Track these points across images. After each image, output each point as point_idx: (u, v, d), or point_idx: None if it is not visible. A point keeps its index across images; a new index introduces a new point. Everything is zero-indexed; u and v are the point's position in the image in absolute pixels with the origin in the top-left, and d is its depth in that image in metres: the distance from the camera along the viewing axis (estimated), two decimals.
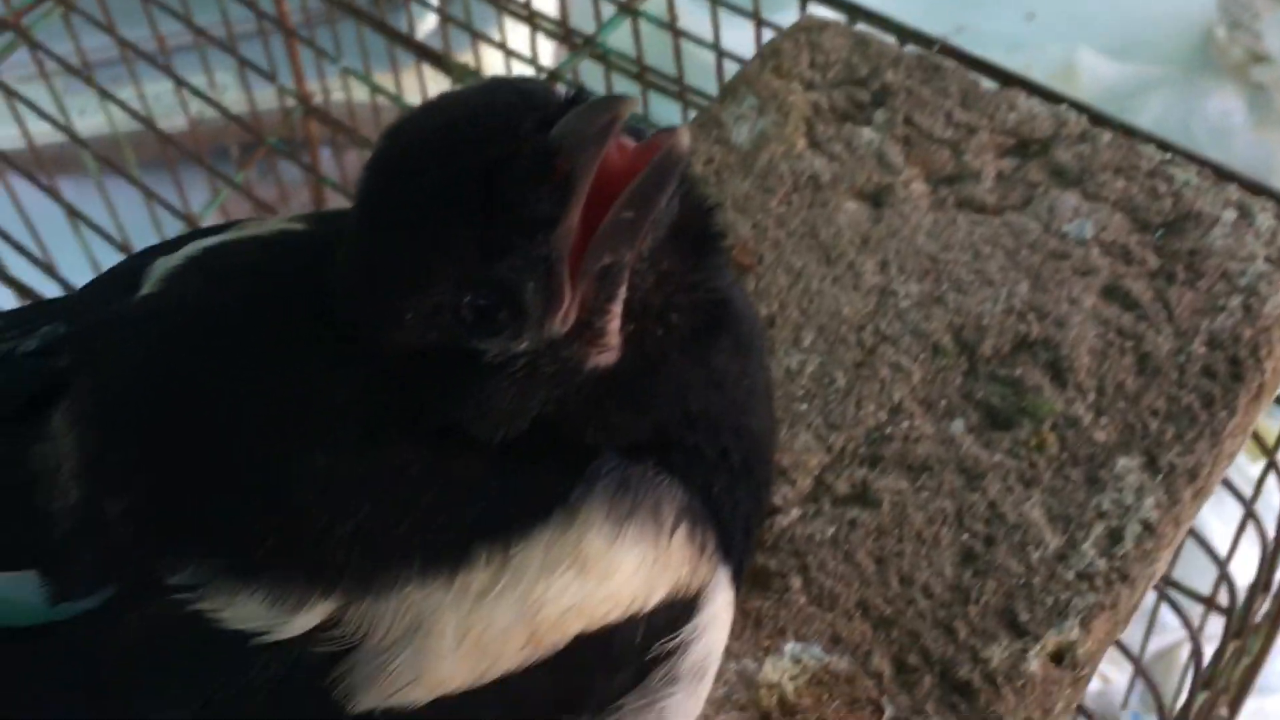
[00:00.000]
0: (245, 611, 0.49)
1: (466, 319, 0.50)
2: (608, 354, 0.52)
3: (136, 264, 0.59)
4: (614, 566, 0.51)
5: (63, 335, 0.57)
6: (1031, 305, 0.70)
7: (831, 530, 0.64)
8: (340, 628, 0.49)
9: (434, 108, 0.51)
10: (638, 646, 0.53)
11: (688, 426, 0.54)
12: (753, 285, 0.72)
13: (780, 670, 0.60)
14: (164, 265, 0.58)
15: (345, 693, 0.50)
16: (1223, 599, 0.98)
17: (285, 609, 0.49)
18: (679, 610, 0.54)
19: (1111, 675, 1.57)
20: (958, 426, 0.67)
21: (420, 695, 0.50)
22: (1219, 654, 0.83)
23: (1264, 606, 0.93)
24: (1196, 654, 0.77)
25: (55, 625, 0.50)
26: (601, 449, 0.53)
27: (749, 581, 0.63)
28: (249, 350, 0.54)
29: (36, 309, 0.62)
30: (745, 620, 0.62)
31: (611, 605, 0.52)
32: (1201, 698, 0.80)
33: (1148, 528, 0.63)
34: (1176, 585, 1.05)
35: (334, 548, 0.50)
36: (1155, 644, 1.36)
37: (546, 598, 0.51)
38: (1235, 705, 1.16)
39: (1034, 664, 0.60)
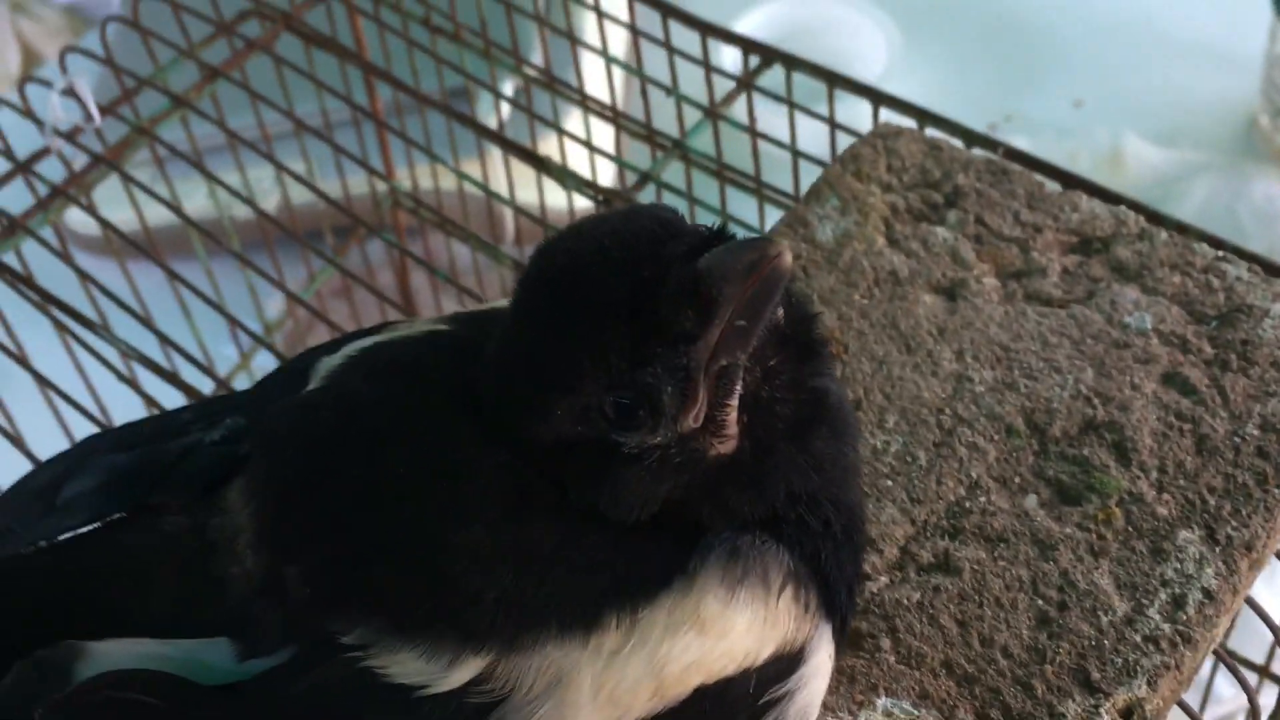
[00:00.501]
0: (408, 668, 0.57)
1: (610, 415, 0.58)
2: (727, 444, 0.59)
3: (302, 364, 0.67)
4: (729, 626, 0.58)
5: (243, 426, 0.65)
6: (1097, 391, 0.76)
7: (917, 596, 0.70)
8: (491, 682, 0.57)
9: (581, 230, 0.59)
10: (750, 697, 0.60)
11: (794, 502, 0.61)
12: (840, 372, 0.79)
13: None
14: (326, 364, 0.65)
15: None
16: (1277, 668, 1.03)
17: (442, 665, 0.56)
18: (786, 663, 0.60)
19: None
20: (1031, 502, 0.73)
21: None
22: None
23: None
24: (1255, 715, 0.83)
25: (246, 683, 0.57)
26: (716, 525, 0.60)
27: (843, 642, 0.69)
28: (404, 435, 0.61)
29: (221, 401, 0.70)
30: (840, 677, 0.68)
31: (727, 660, 0.59)
32: None
33: (1208, 594, 0.69)
34: (1233, 655, 1.10)
35: (483, 611, 0.57)
36: (1211, 715, 1.41)
37: (671, 655, 0.58)
38: None
39: (1105, 719, 0.66)
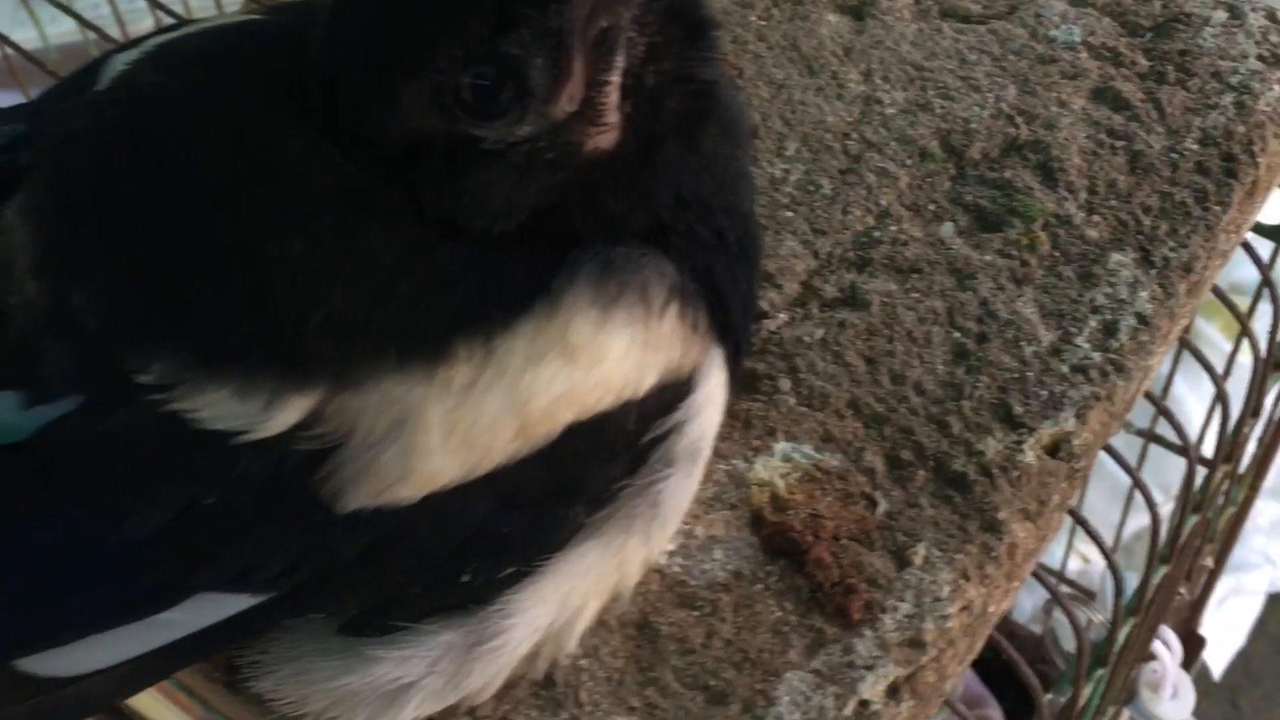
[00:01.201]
0: (220, 410, 0.48)
1: (468, 100, 0.48)
2: (607, 136, 0.50)
3: (93, 65, 0.57)
4: (603, 352, 0.50)
5: (22, 134, 0.55)
6: (1020, 109, 0.68)
7: (821, 333, 0.63)
8: (321, 425, 0.48)
9: None
10: (632, 432, 0.52)
11: (683, 209, 0.52)
12: None
13: (771, 469, 0.59)
14: (120, 61, 0.55)
15: (332, 492, 0.48)
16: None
17: (259, 406, 0.48)
18: (672, 392, 0.52)
19: (1092, 555, 1.58)
20: (947, 229, 0.65)
21: (410, 492, 0.48)
22: (1206, 484, 0.82)
23: (1255, 436, 0.93)
24: (1189, 480, 0.77)
25: (29, 438, 0.48)
26: (592, 236, 0.51)
27: (738, 384, 0.62)
28: (212, 135, 0.51)
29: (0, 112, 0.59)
30: (734, 422, 0.61)
31: (603, 392, 0.50)
32: (1192, 521, 0.79)
33: (1143, 320, 0.62)
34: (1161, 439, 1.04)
35: (306, 339, 0.48)
36: (1134, 525, 1.36)
37: (534, 389, 0.49)
38: (1221, 557, 1.16)
39: (1029, 456, 0.59)
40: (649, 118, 0.51)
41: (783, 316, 0.63)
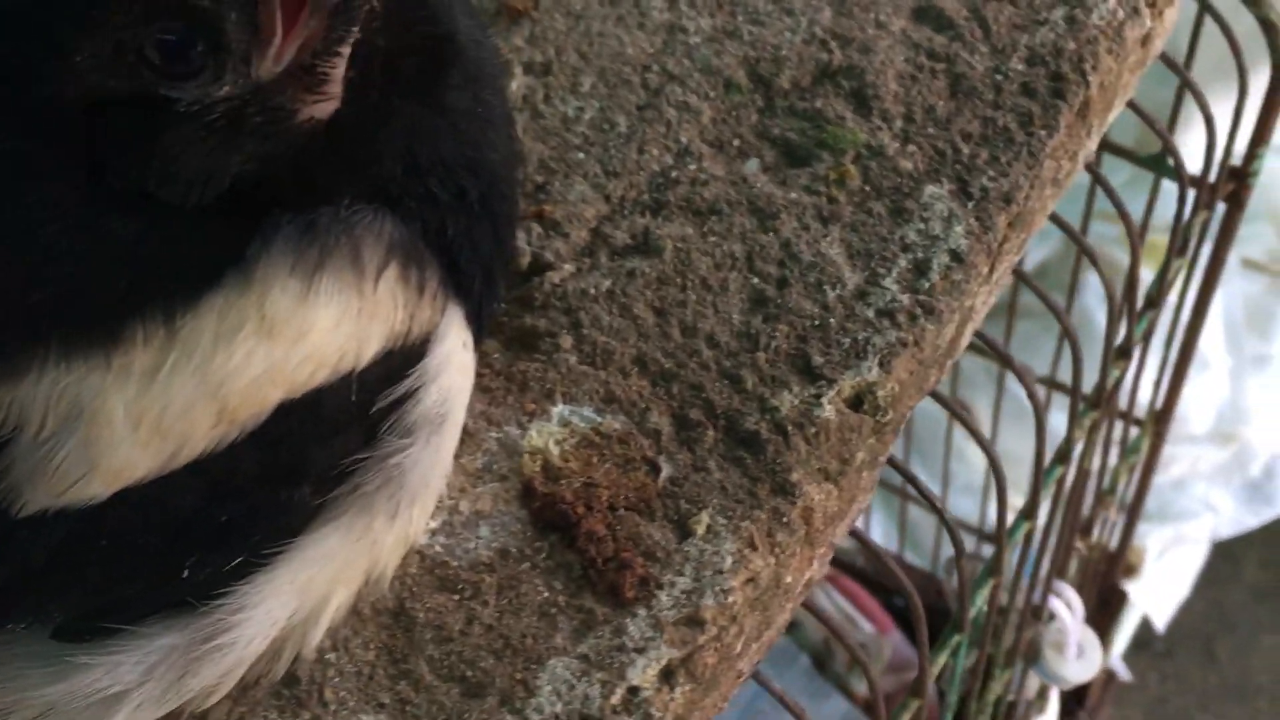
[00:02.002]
0: None
1: (154, 60, 0.43)
2: (326, 104, 0.45)
3: None
4: (308, 324, 0.45)
5: None
6: (834, 32, 0.63)
7: (608, 283, 0.57)
8: None
9: None
10: (356, 404, 0.46)
11: (415, 176, 0.48)
12: (528, 31, 0.64)
13: (546, 435, 0.54)
14: None
15: (8, 494, 0.43)
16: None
17: None
18: (401, 359, 0.47)
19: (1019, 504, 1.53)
20: (752, 166, 0.60)
21: (98, 489, 0.44)
22: (1069, 431, 0.77)
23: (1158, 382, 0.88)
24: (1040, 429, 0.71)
25: None
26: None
27: (516, 344, 0.56)
28: None
29: None
30: (509, 385, 0.55)
31: (314, 366, 0.45)
32: (1057, 471, 0.74)
33: (956, 257, 0.56)
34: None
35: None
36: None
37: (230, 369, 0.44)
38: (1135, 507, 1.11)
39: (828, 410, 0.54)
40: (380, 85, 0.46)
41: (569, 267, 0.58)
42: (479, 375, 0.56)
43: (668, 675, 0.49)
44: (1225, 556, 1.79)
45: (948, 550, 1.33)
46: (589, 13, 0.64)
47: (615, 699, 0.49)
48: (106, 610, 0.47)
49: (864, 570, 1.35)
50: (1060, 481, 0.75)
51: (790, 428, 0.53)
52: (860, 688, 1.27)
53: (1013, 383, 1.03)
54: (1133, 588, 1.56)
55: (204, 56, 0.44)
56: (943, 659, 0.68)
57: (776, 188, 0.59)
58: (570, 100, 0.62)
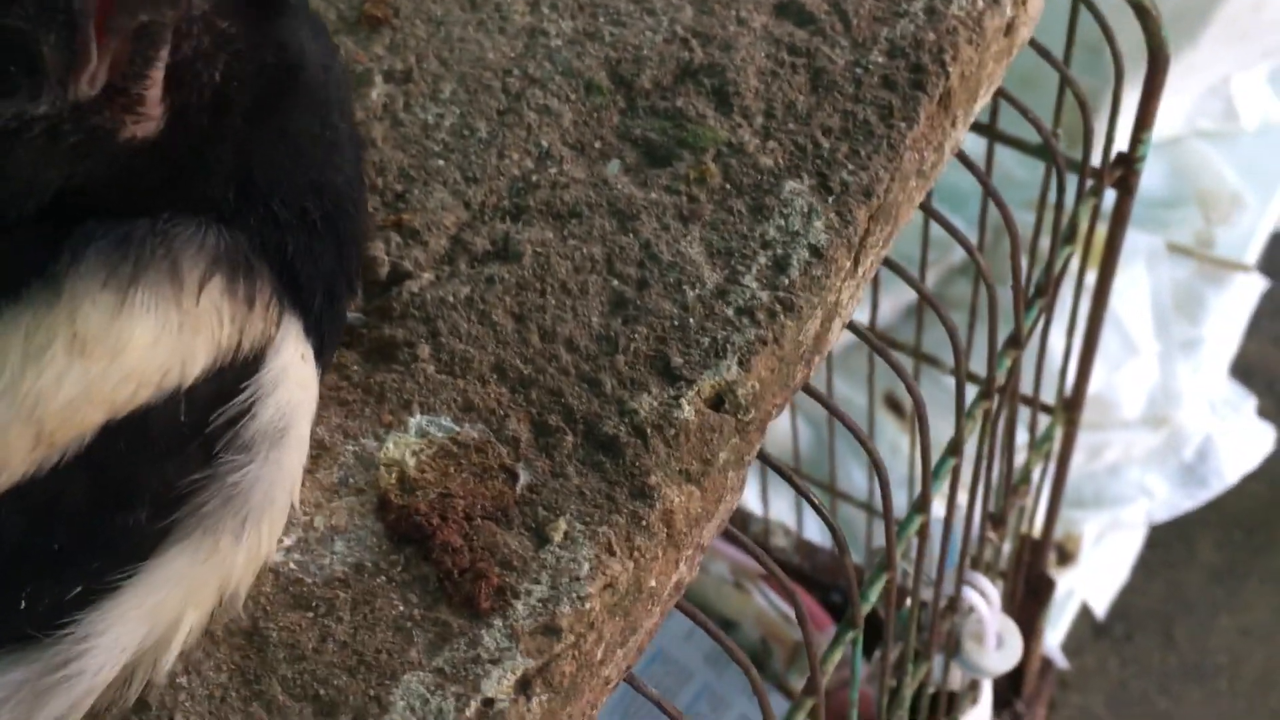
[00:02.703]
0: None
1: None
2: (145, 124, 0.45)
3: None
4: (124, 341, 0.44)
5: None
6: (696, 31, 0.62)
7: (467, 290, 0.57)
8: None
9: None
10: (186, 423, 0.46)
11: (255, 196, 0.48)
12: (388, 39, 0.63)
13: (403, 446, 0.53)
14: None
15: None
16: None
17: None
18: (232, 374, 0.46)
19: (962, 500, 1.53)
20: (613, 168, 0.59)
21: None
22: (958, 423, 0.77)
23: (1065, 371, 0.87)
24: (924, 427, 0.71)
25: None
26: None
27: (374, 355, 0.56)
28: None
29: None
30: (366, 397, 0.54)
31: (135, 385, 0.44)
32: (949, 463, 0.74)
33: (816, 252, 0.56)
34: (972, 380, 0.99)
35: None
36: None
37: (41, 389, 0.43)
38: (1055, 495, 1.11)
39: (688, 411, 0.53)
40: (212, 109, 0.46)
41: (428, 276, 0.57)
42: (337, 388, 0.55)
43: (524, 686, 0.49)
44: (1180, 539, 1.79)
45: (879, 541, 1.33)
46: (449, 18, 0.64)
47: (470, 712, 0.48)
48: None
49: (800, 568, 1.35)
50: (955, 473, 0.75)
51: (649, 430, 0.53)
52: (799, 686, 1.26)
53: (941, 375, 1.03)
54: (1071, 575, 1.57)
55: (19, 76, 0.43)
56: (837, 655, 0.68)
57: (637, 188, 0.58)
58: (431, 107, 0.61)
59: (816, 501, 0.60)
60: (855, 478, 1.41)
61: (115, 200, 0.46)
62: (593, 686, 0.51)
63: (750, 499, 1.35)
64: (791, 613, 1.30)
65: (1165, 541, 1.75)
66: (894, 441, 1.53)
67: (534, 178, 0.59)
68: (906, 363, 1.29)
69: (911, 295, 1.43)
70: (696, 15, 0.62)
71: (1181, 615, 1.77)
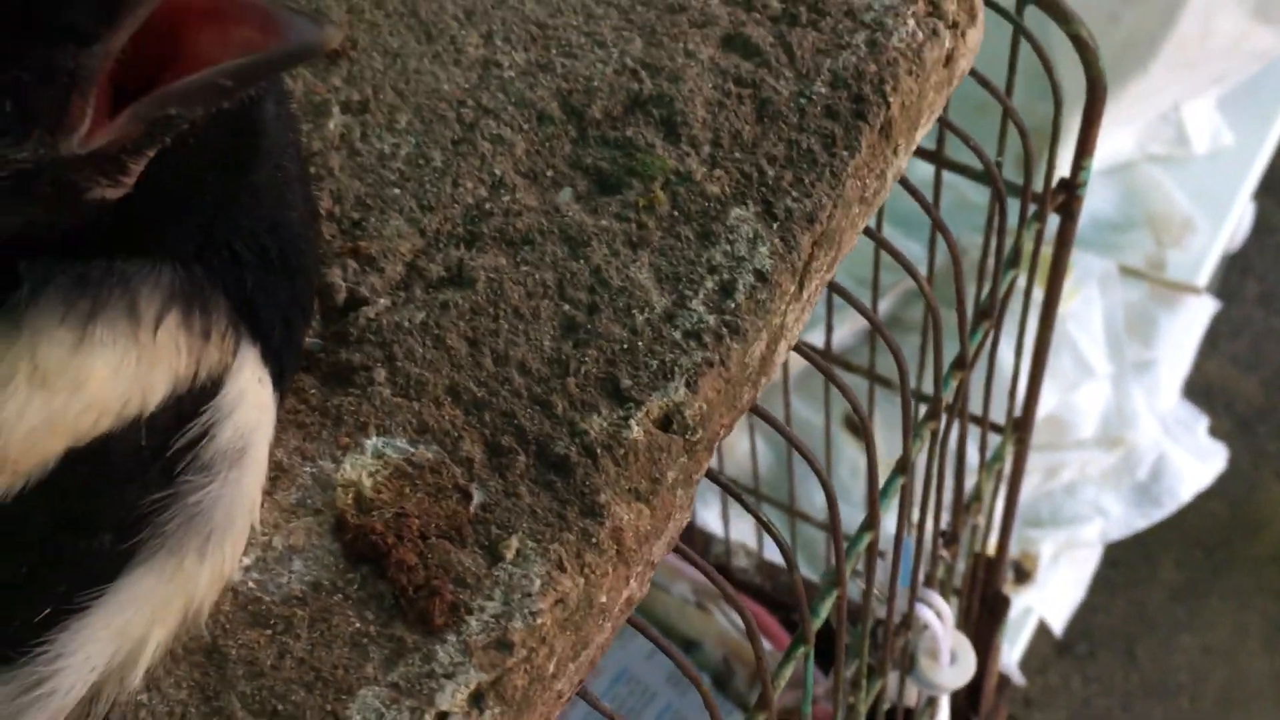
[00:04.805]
0: None
1: None
2: (116, 189, 0.47)
3: None
4: (84, 374, 0.46)
5: None
6: (645, 62, 0.64)
7: (422, 316, 0.58)
8: None
9: None
10: (147, 449, 0.47)
11: (219, 242, 0.50)
12: (346, 70, 0.65)
13: (359, 467, 0.55)
14: None
15: None
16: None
17: None
18: (191, 401, 0.48)
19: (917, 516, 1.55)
20: (565, 195, 0.61)
21: None
22: (905, 443, 0.79)
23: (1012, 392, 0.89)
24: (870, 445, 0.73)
25: None
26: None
27: (331, 379, 0.57)
28: None
29: None
30: (324, 420, 0.56)
31: (97, 414, 0.46)
32: (898, 481, 0.75)
33: (761, 277, 0.58)
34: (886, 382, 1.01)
35: None
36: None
37: (5, 421, 0.45)
38: (1008, 515, 1.13)
39: (637, 431, 0.55)
40: (182, 174, 0.48)
41: (384, 302, 0.59)
42: (295, 411, 0.56)
43: (477, 699, 0.50)
44: (1142, 558, 1.82)
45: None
46: (406, 50, 0.66)
47: None
48: None
49: (762, 588, 1.37)
50: (904, 491, 0.77)
51: (599, 450, 0.54)
52: None
53: (895, 395, 1.05)
54: (1028, 593, 1.59)
55: (12, 120, 0.44)
56: (789, 670, 0.70)
57: (588, 216, 0.60)
58: (387, 137, 0.63)
59: (765, 519, 0.62)
60: (816, 499, 1.43)
61: (74, 243, 0.47)
62: (545, 700, 0.53)
63: (712, 520, 1.36)
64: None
65: (1127, 561, 1.77)
66: (854, 462, 1.55)
67: (487, 205, 0.61)
68: (862, 384, 1.31)
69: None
70: (646, 47, 0.64)
71: (1143, 634, 1.80)
